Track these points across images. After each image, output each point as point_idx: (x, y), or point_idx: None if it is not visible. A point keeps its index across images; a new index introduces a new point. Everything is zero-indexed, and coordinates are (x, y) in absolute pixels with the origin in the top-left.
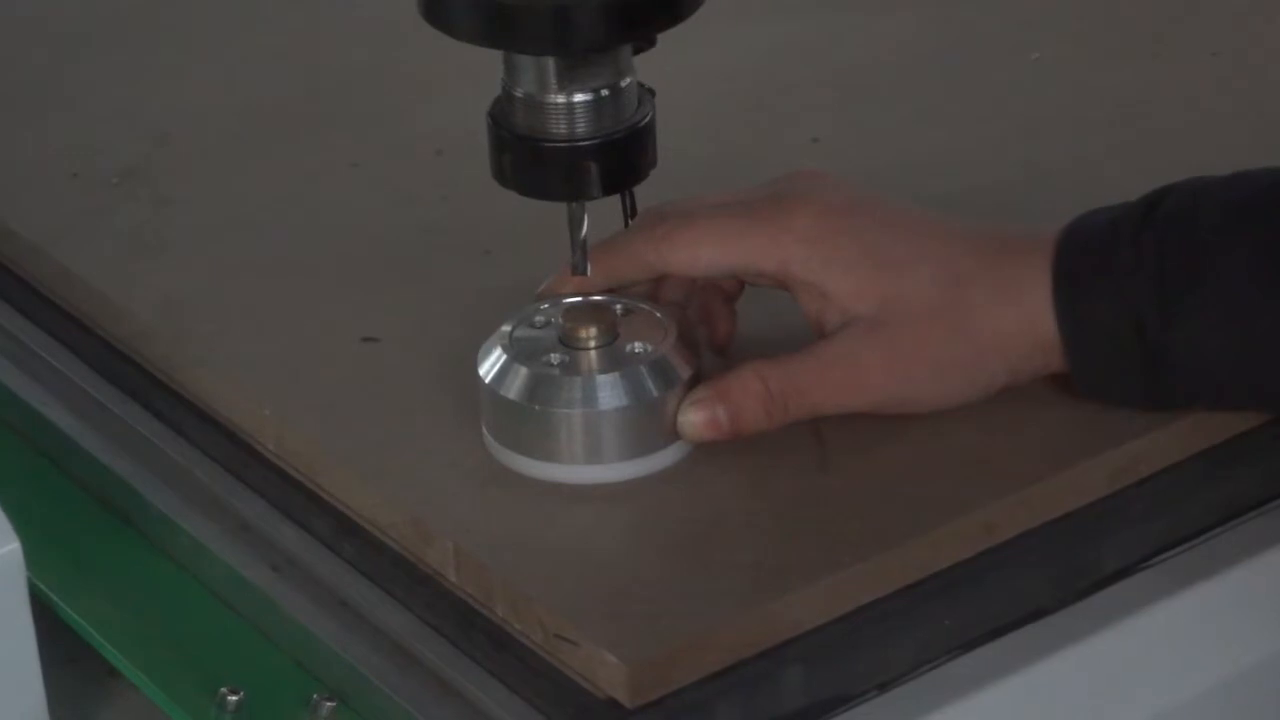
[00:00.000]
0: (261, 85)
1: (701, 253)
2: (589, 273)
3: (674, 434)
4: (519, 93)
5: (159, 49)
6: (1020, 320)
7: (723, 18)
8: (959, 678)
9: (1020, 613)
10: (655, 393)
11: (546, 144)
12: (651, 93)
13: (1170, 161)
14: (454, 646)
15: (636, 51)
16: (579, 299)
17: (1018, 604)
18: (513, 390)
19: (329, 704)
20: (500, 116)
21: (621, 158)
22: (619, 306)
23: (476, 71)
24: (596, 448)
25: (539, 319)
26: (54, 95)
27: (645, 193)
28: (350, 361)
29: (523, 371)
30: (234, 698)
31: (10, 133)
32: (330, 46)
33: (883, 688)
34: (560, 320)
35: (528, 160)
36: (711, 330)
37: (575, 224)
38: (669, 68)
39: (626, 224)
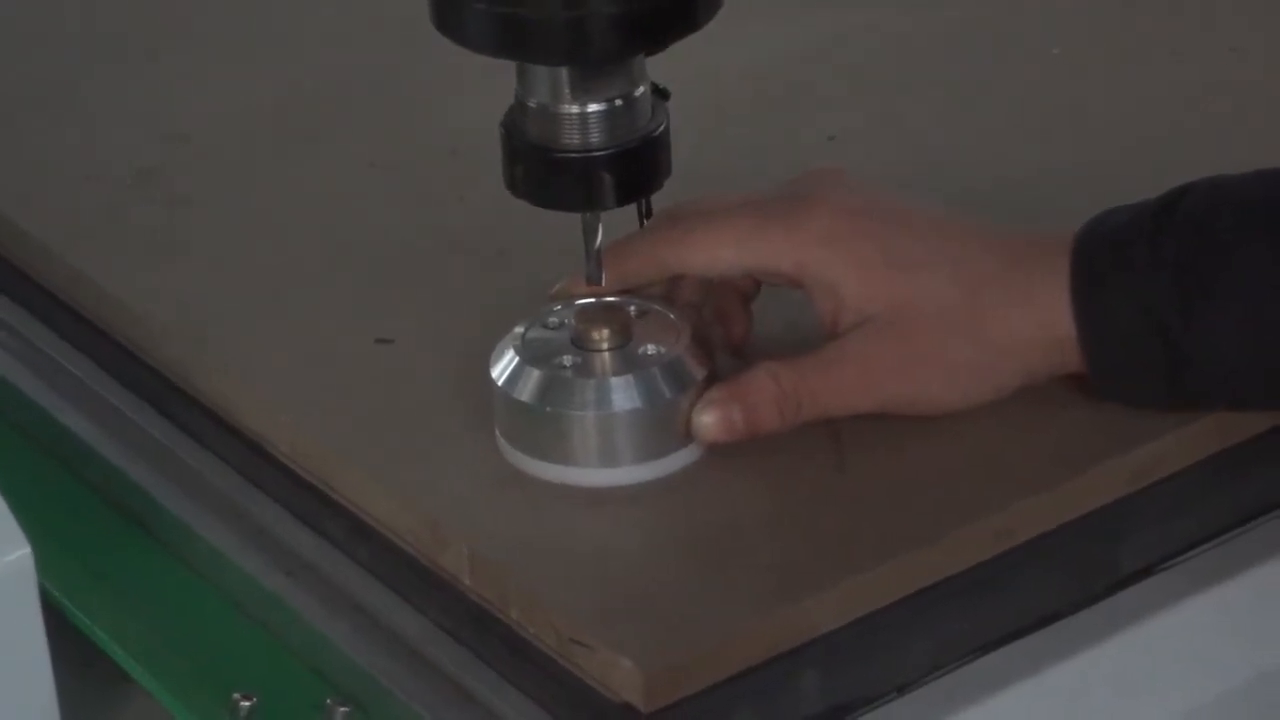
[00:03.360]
0: (277, 87)
1: (718, 253)
2: (603, 277)
3: (688, 436)
4: (532, 103)
5: (173, 51)
6: (1036, 320)
7: (737, 16)
8: (977, 681)
9: (1038, 615)
10: (669, 395)
11: (560, 154)
12: (666, 95)
13: (1189, 159)
14: (469, 651)
15: (646, 55)
16: (592, 300)
17: (1036, 606)
18: (525, 392)
19: (343, 709)
20: (513, 127)
21: (636, 167)
22: (633, 308)
23: (492, 72)
24: (610, 450)
25: (552, 320)
26: (68, 97)
27: (661, 191)
28: (364, 363)
29: (535, 374)
30: (247, 703)
31: (25, 135)
32: (346, 48)
33: (901, 690)
34: (573, 322)
35: (541, 170)
36: (728, 331)
37: (589, 234)
38: (683, 67)
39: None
